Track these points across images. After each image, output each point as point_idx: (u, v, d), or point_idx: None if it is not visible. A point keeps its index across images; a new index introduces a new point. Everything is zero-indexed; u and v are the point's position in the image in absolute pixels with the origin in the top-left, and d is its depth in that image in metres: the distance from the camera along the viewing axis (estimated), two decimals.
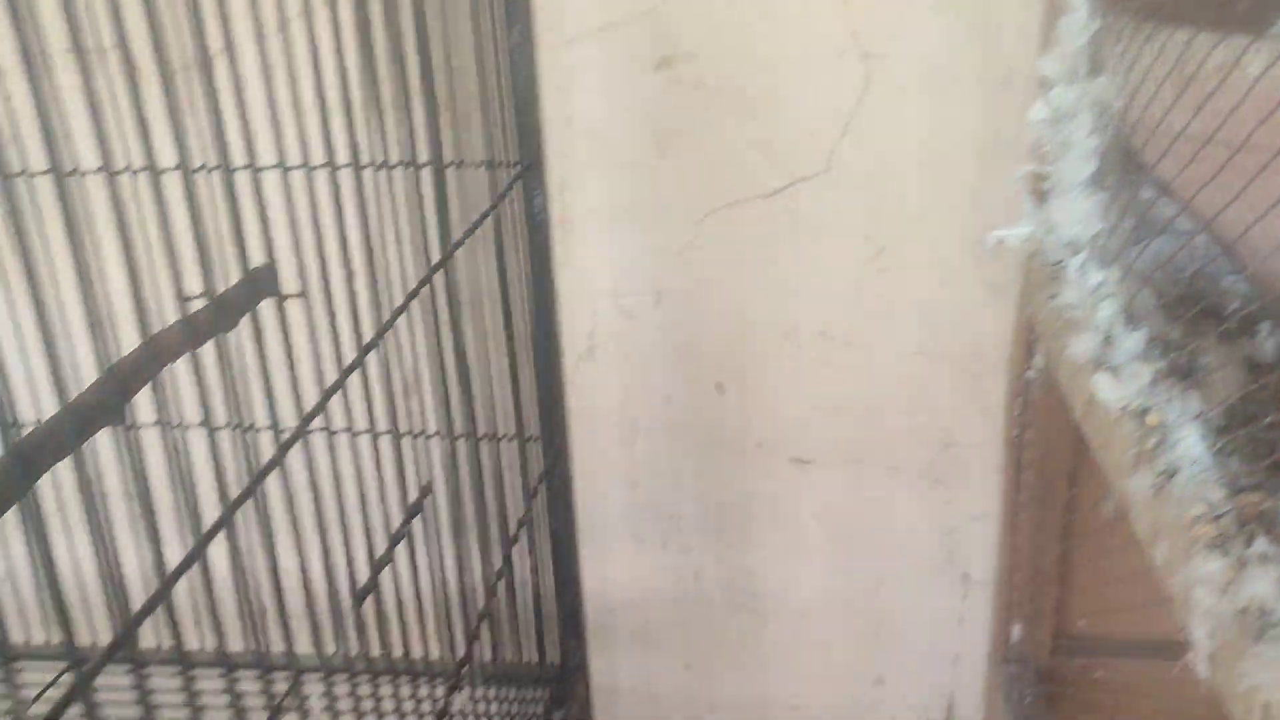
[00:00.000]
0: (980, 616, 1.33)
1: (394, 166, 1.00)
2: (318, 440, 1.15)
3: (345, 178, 1.08)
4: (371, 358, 1.06)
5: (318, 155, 1.07)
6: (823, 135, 1.17)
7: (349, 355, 1.08)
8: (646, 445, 1.32)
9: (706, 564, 1.37)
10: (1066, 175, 0.80)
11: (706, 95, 1.17)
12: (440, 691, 1.18)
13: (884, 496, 1.31)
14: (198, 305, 1.12)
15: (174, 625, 0.53)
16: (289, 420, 0.95)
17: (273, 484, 0.84)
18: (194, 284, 1.14)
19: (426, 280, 0.75)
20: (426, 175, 1.08)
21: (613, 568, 1.38)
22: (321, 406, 0.60)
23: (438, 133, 0.78)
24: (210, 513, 0.76)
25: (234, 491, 0.74)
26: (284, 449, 0.56)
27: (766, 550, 1.35)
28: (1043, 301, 0.83)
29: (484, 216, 0.86)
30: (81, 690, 0.35)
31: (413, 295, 0.75)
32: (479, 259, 1.16)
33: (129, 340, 0.86)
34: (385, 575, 1.19)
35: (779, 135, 1.17)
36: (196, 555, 0.44)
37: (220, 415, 1.15)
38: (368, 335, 0.84)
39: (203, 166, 1.07)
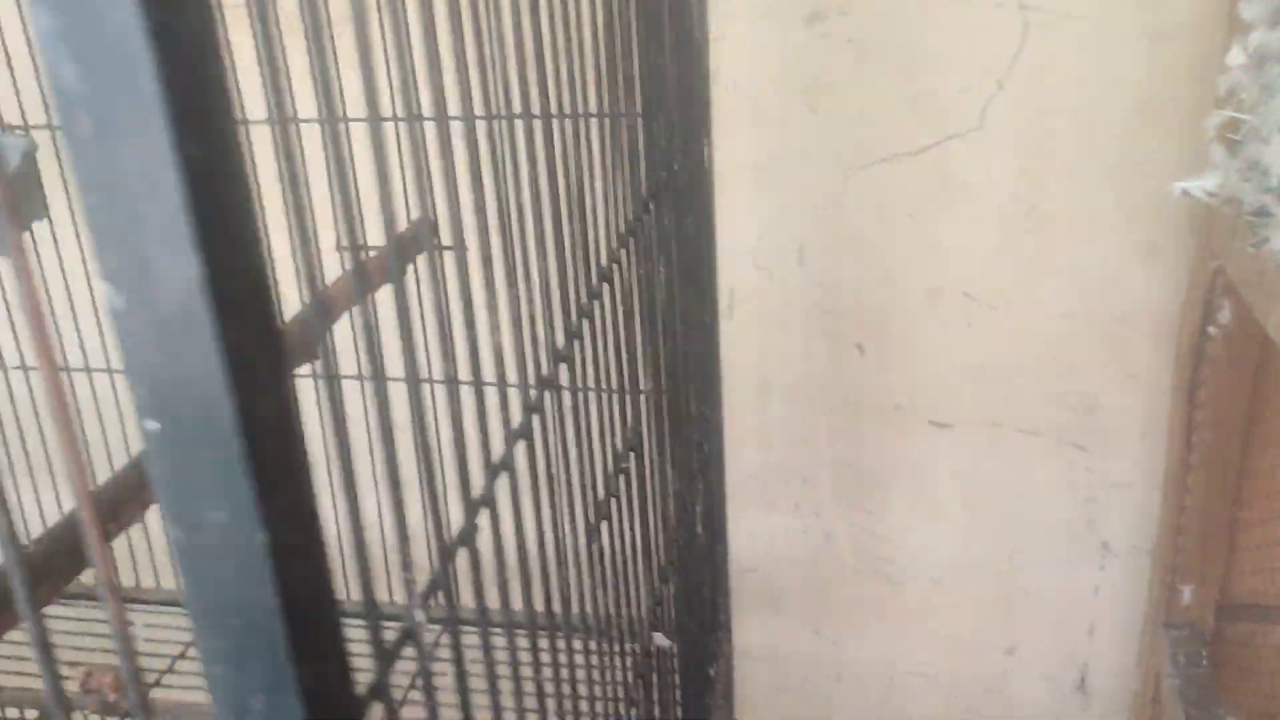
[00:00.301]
0: (1117, 586, 1.31)
1: (566, 117, 1.00)
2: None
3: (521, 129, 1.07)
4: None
5: (477, 105, 1.07)
6: (976, 91, 1.15)
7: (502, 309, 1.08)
8: (781, 406, 1.31)
9: (838, 528, 1.36)
10: (1271, 119, 0.77)
11: (857, 50, 1.15)
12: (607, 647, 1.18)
13: (1023, 462, 1.29)
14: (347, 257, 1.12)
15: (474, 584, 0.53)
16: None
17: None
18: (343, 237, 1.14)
19: (631, 232, 0.75)
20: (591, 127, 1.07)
21: (742, 530, 1.37)
22: (555, 371, 0.60)
23: (616, 84, 0.78)
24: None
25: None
26: (530, 412, 0.56)
27: (900, 515, 1.34)
28: (1237, 252, 0.81)
29: (674, 166, 0.85)
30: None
31: (623, 245, 0.74)
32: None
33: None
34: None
35: (930, 91, 1.15)
36: (463, 525, 0.43)
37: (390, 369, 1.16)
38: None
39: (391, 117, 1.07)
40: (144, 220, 0.22)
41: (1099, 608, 1.33)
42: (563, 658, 0.54)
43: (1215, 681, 0.94)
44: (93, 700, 1.04)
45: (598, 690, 0.65)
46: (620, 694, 0.70)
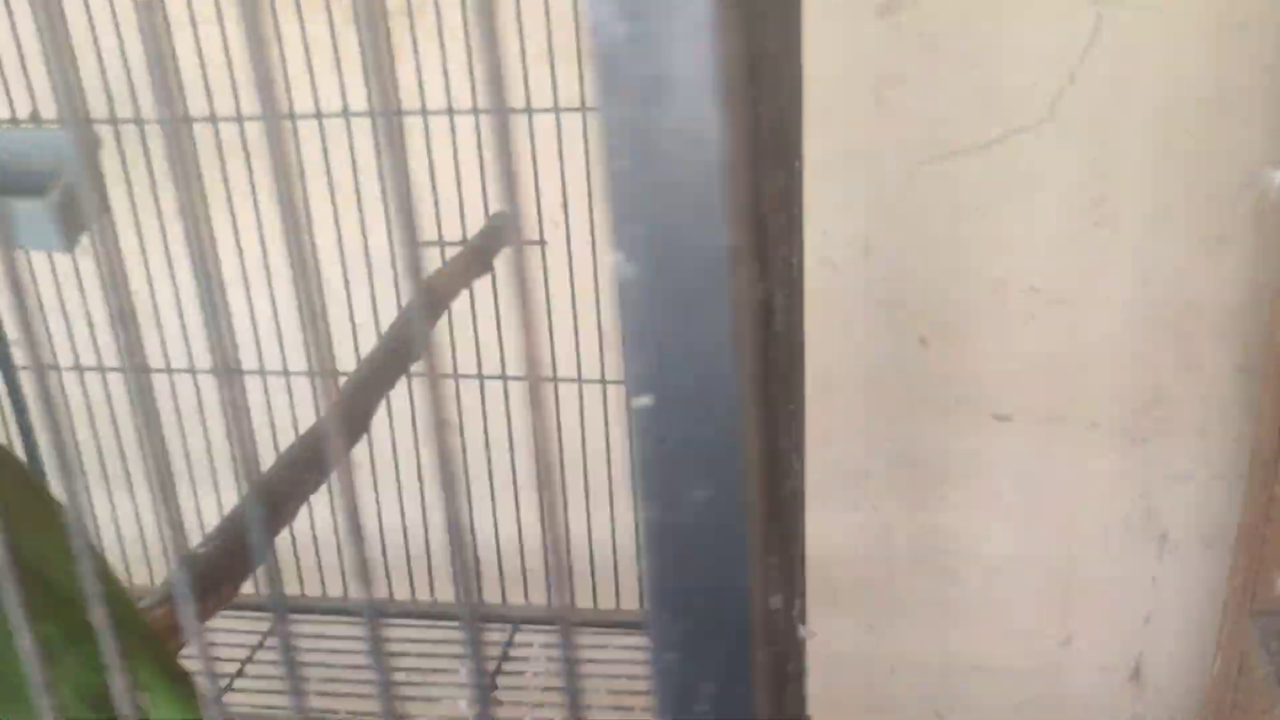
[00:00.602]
0: (1176, 577, 1.32)
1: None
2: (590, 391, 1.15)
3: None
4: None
5: (544, 99, 1.07)
6: (1046, 84, 1.15)
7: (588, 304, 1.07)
8: (841, 400, 1.31)
9: (897, 522, 1.36)
10: None
11: (928, 43, 1.15)
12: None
13: (1082, 454, 1.29)
14: (429, 251, 1.11)
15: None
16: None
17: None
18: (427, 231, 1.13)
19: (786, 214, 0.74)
20: None
21: None
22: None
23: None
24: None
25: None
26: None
27: (959, 508, 1.34)
28: None
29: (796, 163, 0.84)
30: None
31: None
32: None
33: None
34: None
35: (1000, 84, 1.16)
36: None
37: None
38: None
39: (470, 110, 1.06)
40: (677, 189, 0.21)
41: (1157, 598, 1.34)
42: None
43: None
44: None
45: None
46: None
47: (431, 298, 0.81)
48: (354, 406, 0.72)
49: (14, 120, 1.16)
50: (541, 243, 1.10)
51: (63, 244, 1.11)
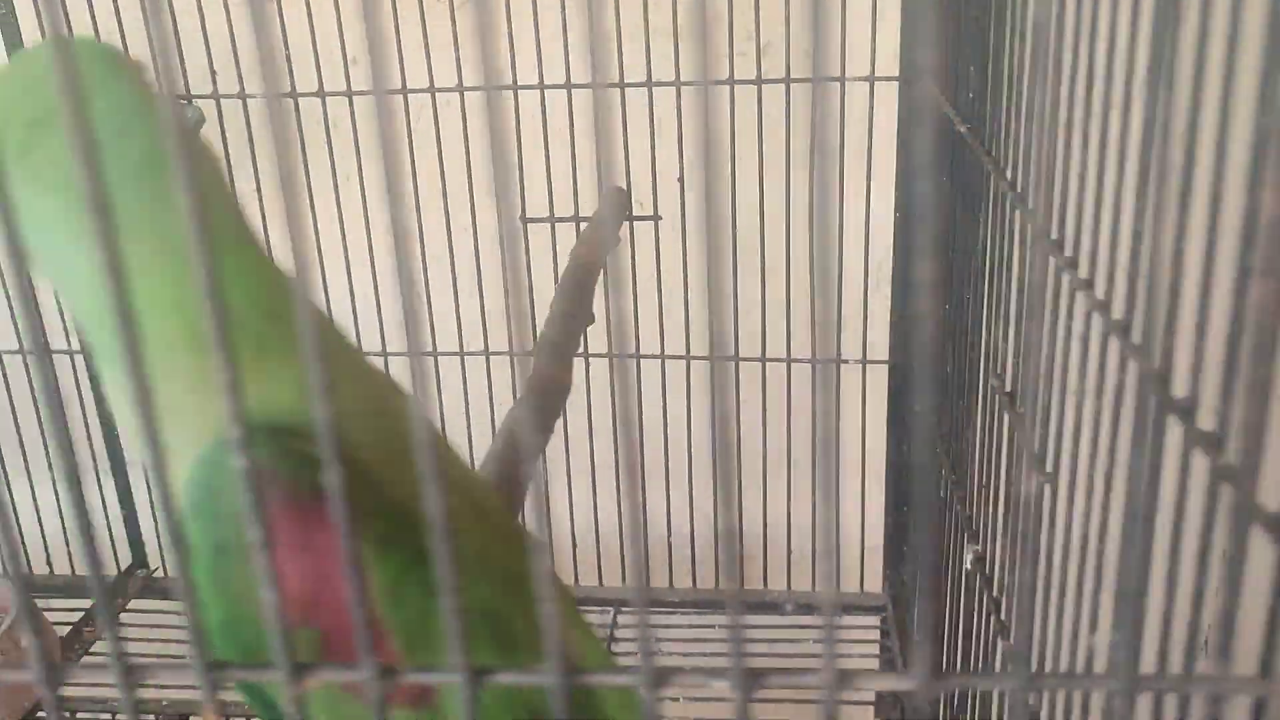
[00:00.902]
0: None
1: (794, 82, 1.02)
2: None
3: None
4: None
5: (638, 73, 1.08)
6: None
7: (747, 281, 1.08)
8: None
9: None
10: None
11: None
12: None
13: None
14: (537, 227, 1.13)
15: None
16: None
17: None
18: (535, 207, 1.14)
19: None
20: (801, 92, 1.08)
21: None
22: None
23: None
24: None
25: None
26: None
27: None
28: None
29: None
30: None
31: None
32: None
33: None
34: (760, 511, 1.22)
35: None
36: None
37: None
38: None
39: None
40: None
41: None
42: None
43: None
44: None
45: None
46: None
47: (584, 272, 0.82)
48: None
49: None
50: (656, 218, 1.11)
51: None
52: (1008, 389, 0.65)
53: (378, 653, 0.49)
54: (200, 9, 1.10)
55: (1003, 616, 0.69)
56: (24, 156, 0.50)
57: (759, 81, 1.06)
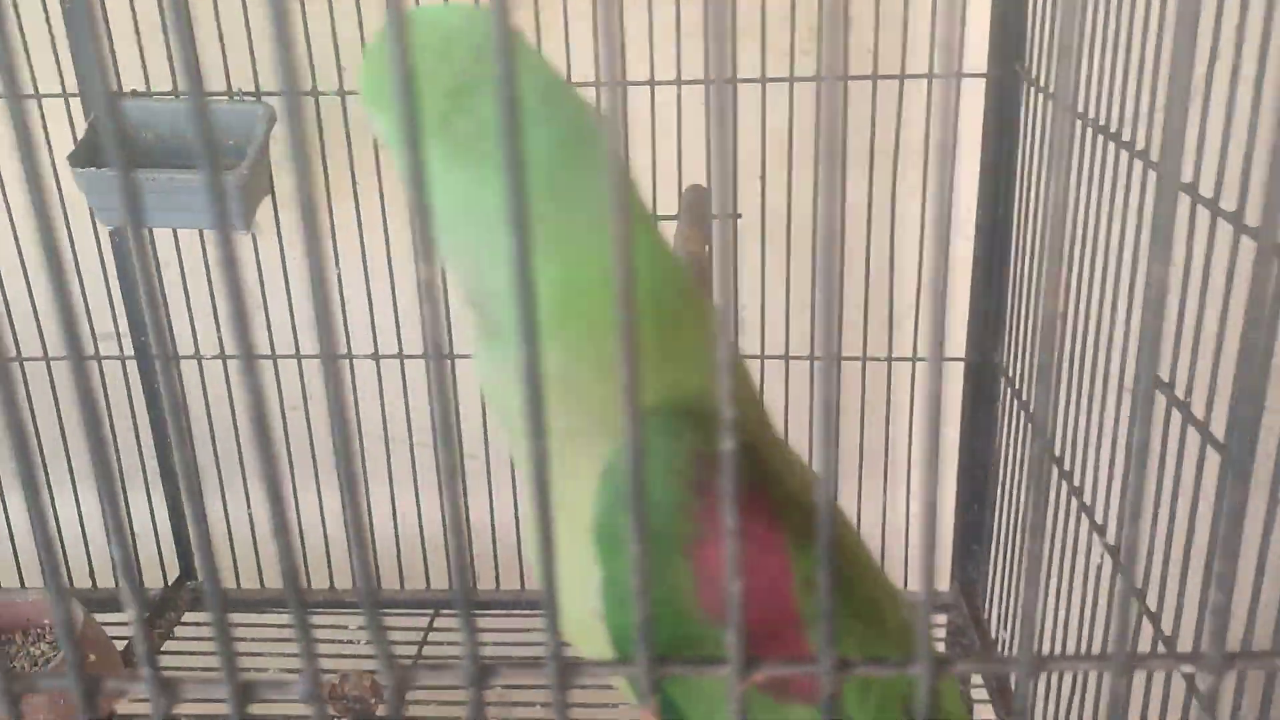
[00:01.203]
0: None
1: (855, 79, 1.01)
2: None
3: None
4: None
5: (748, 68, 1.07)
6: None
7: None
8: None
9: None
10: None
11: None
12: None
13: None
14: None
15: None
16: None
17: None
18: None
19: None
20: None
21: None
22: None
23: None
24: None
25: None
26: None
27: None
28: None
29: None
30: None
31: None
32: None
33: None
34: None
35: None
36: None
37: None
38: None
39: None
40: None
41: None
42: None
43: None
44: (341, 706, 1.04)
45: None
46: None
47: (697, 266, 0.81)
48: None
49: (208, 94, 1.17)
50: (736, 216, 1.11)
51: (242, 223, 1.12)
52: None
53: (795, 647, 0.48)
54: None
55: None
56: (445, 127, 0.48)
57: (845, 78, 1.04)
